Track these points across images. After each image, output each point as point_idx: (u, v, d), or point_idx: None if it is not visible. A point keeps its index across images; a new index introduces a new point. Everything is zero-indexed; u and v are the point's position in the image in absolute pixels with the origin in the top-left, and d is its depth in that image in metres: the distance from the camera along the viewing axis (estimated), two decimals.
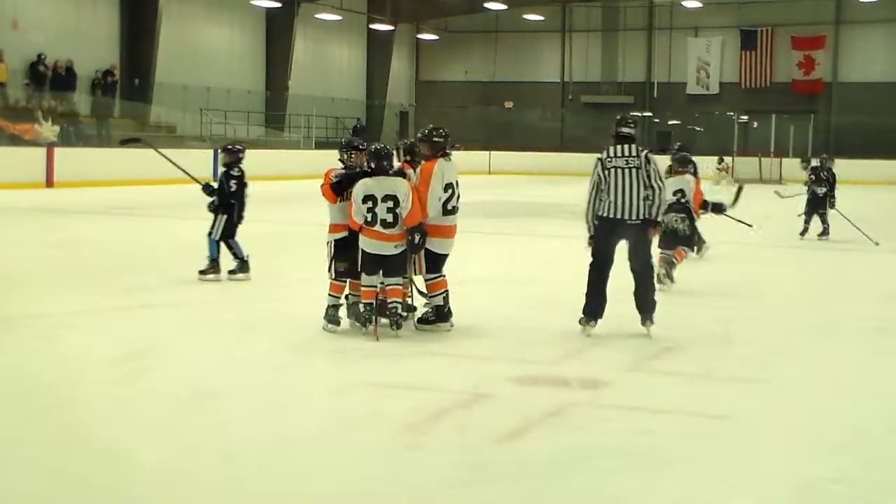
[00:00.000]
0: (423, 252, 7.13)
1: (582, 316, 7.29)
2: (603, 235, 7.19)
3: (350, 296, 7.17)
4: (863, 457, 4.67)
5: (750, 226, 11.22)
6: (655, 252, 7.99)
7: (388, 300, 6.95)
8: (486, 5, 38.63)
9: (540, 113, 43.85)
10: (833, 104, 40.15)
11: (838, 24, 40.38)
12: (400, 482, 4.21)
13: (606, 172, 7.12)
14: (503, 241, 13.98)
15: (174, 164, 9.75)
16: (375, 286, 6.95)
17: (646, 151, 7.22)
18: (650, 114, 42.87)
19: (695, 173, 9.96)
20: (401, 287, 6.99)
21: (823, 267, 10.93)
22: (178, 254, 11.80)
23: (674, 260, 9.30)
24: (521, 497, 4.05)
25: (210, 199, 9.36)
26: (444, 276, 7.24)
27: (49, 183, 21.75)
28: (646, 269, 7.31)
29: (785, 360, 6.75)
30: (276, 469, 4.29)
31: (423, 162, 7.21)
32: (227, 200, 9.30)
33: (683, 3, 39.26)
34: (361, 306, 7.00)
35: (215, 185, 9.36)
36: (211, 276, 9.23)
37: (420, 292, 7.29)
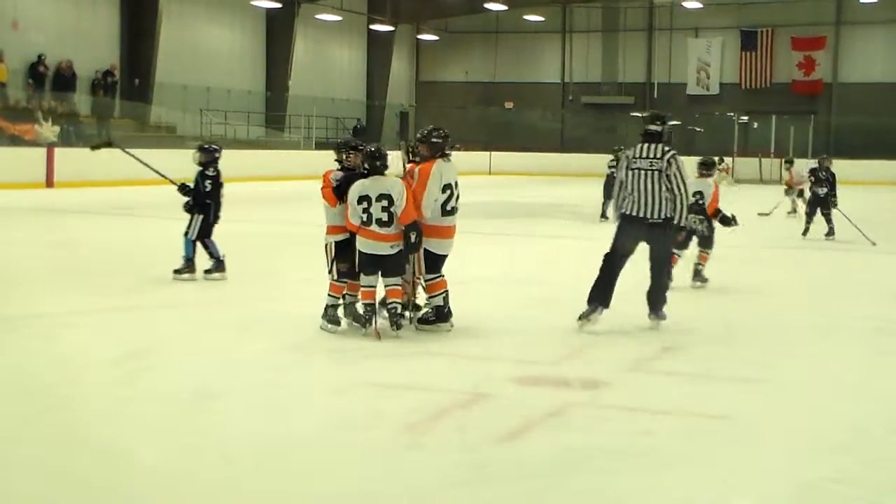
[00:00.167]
0: (422, 252, 7.13)
1: (587, 305, 7.35)
2: (623, 231, 7.34)
3: (347, 296, 7.17)
4: (863, 457, 4.66)
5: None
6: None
7: (388, 300, 6.95)
8: (487, 6, 38.63)
9: (540, 113, 43.87)
10: (833, 105, 40.16)
11: (838, 25, 40.39)
12: (400, 482, 4.20)
13: (630, 172, 7.24)
14: (503, 242, 13.97)
15: (146, 164, 9.73)
16: (374, 286, 6.96)
17: (672, 153, 7.24)
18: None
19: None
20: (400, 287, 6.98)
21: (824, 267, 10.94)
22: (177, 254, 11.77)
23: (700, 266, 9.44)
24: (522, 497, 4.05)
25: (186, 200, 9.31)
26: (444, 276, 7.24)
27: (49, 183, 21.76)
28: (660, 267, 7.44)
29: (785, 360, 6.74)
30: (276, 469, 4.29)
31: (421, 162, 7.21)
32: (203, 200, 9.28)
33: (684, 4, 39.27)
34: (361, 307, 7.00)
35: (191, 185, 9.33)
36: (186, 276, 9.23)
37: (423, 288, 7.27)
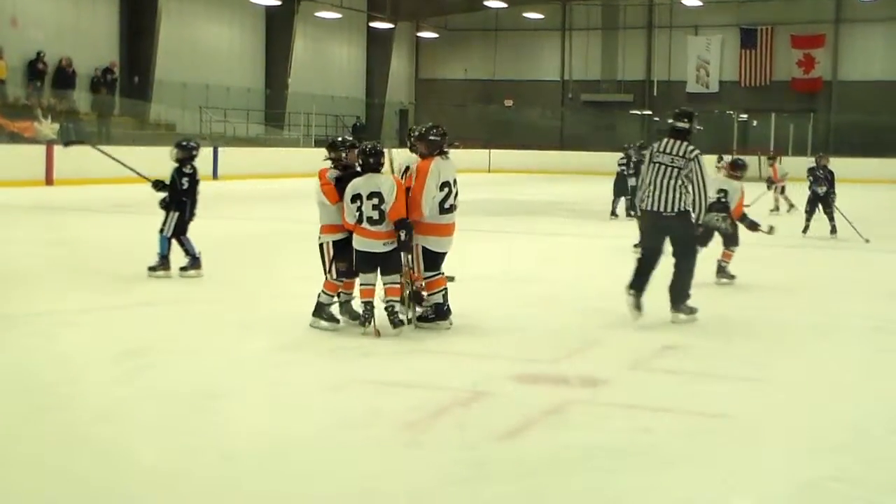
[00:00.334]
0: (420, 250, 7.13)
1: (628, 290, 7.56)
2: (646, 228, 7.59)
3: (342, 294, 7.17)
4: (863, 456, 4.66)
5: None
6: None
7: (386, 299, 6.95)
8: (486, 3, 38.63)
9: (540, 111, 43.87)
10: (833, 103, 40.18)
11: (838, 23, 40.40)
12: (399, 480, 4.21)
13: (652, 166, 7.43)
14: (503, 240, 13.96)
15: (118, 161, 9.73)
16: (373, 284, 6.96)
17: (696, 153, 7.37)
18: (650, 112, 42.88)
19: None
20: (398, 285, 6.98)
21: (822, 266, 10.94)
22: (176, 252, 11.79)
23: (724, 263, 9.55)
24: (521, 495, 4.05)
25: (162, 197, 9.27)
26: (443, 274, 7.24)
27: (49, 181, 21.75)
28: (682, 261, 7.53)
29: (785, 359, 6.74)
30: (276, 467, 4.29)
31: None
32: (179, 198, 9.27)
33: (683, 2, 39.26)
34: (360, 305, 7.00)
35: (166, 181, 9.32)
36: (161, 273, 9.22)
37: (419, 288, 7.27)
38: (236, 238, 13.71)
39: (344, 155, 7.19)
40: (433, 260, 7.19)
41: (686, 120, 7.54)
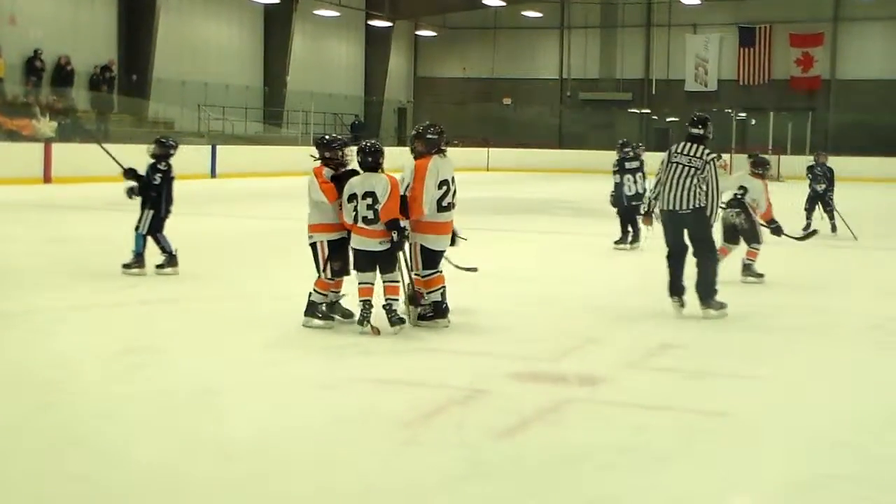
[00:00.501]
0: (418, 248, 7.14)
1: (669, 298, 7.88)
2: (666, 227, 7.86)
3: (331, 293, 7.16)
4: (862, 454, 4.66)
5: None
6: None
7: (385, 297, 6.94)
8: (485, 1, 38.62)
9: (538, 109, 43.87)
10: (831, 101, 40.21)
11: (836, 21, 40.43)
12: (397, 478, 4.21)
13: (670, 165, 7.75)
14: (501, 238, 13.96)
15: (101, 146, 9.75)
16: (371, 283, 6.96)
17: (712, 157, 7.72)
18: (648, 111, 42.90)
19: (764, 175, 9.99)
20: (397, 284, 6.99)
21: (821, 264, 10.94)
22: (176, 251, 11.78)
23: (749, 261, 9.63)
24: (519, 493, 4.05)
25: (130, 186, 9.25)
26: (441, 272, 7.25)
27: (47, 178, 21.74)
28: (702, 258, 7.78)
29: (783, 357, 6.75)
30: (274, 466, 4.29)
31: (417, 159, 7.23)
32: (150, 193, 9.25)
33: (682, 0, 39.26)
34: (359, 304, 6.99)
35: (142, 173, 9.31)
36: (135, 271, 9.21)
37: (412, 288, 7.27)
38: (235, 236, 13.72)
39: (340, 154, 7.20)
40: (431, 258, 7.20)
41: (700, 126, 7.87)
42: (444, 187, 7.16)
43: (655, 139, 39.81)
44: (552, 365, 6.25)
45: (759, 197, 9.67)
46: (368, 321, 6.88)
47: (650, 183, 8.32)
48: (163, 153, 9.41)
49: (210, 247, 12.23)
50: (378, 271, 6.95)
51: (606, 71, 44.00)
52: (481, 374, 5.86)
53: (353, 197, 6.88)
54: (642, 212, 8.41)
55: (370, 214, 6.84)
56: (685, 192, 7.65)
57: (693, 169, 7.66)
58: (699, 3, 39.36)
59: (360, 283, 6.97)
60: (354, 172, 7.03)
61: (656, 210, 8.08)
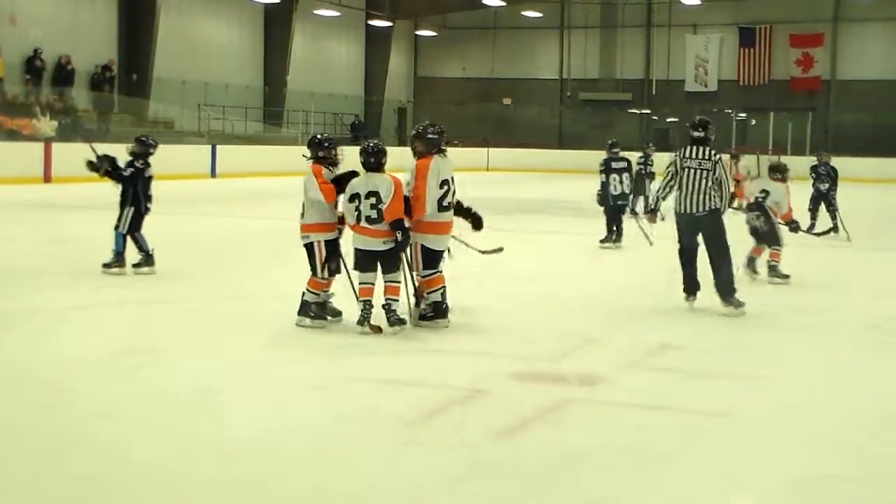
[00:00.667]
0: (419, 248, 7.14)
1: (684, 294, 8.20)
2: (681, 229, 8.16)
3: (323, 292, 7.17)
4: (862, 454, 4.67)
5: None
6: None
7: (385, 297, 6.95)
8: (485, 1, 38.61)
9: (538, 109, 43.87)
10: (831, 102, 40.20)
11: (837, 22, 40.42)
12: (397, 478, 4.21)
13: (683, 171, 8.06)
14: (501, 238, 13.94)
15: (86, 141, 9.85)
16: (372, 283, 6.96)
17: (718, 156, 8.10)
18: (648, 111, 42.89)
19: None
20: (398, 284, 6.99)
21: (821, 264, 10.94)
22: (175, 249, 11.78)
23: (773, 262, 9.75)
24: (519, 493, 4.05)
25: (92, 162, 9.32)
26: (441, 272, 7.25)
27: (47, 178, 21.74)
28: (717, 257, 8.02)
29: (782, 357, 6.75)
30: (274, 466, 4.29)
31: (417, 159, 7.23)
32: (125, 189, 9.29)
33: (682, 1, 39.25)
34: (360, 304, 6.99)
35: (117, 162, 9.37)
36: (115, 270, 9.23)
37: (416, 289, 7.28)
38: (234, 236, 13.72)
39: (333, 153, 7.21)
40: (432, 258, 7.21)
41: (701, 129, 8.19)
42: (445, 187, 7.18)
43: (655, 140, 39.79)
44: (552, 365, 6.26)
45: (782, 199, 9.89)
46: (369, 321, 6.88)
47: (655, 184, 8.52)
48: (142, 151, 9.46)
49: (210, 247, 12.23)
50: (380, 271, 6.95)
51: (606, 71, 43.99)
52: (481, 375, 5.86)
53: (355, 197, 6.89)
54: (645, 210, 8.55)
55: (374, 214, 6.84)
56: (701, 195, 7.97)
57: (705, 171, 7.99)
58: (699, 3, 39.35)
59: (361, 284, 6.97)
60: (355, 174, 7.03)
61: (661, 208, 8.50)
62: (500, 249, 8.28)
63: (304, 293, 7.09)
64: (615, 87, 43.83)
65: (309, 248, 7.12)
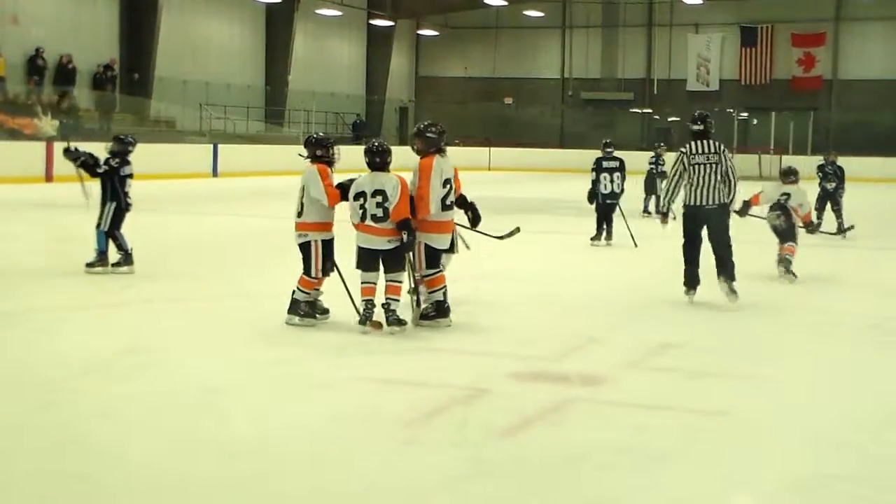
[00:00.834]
0: (423, 248, 7.15)
1: (684, 287, 8.42)
2: (686, 220, 8.39)
3: (313, 292, 7.18)
4: (862, 454, 4.67)
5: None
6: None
7: (386, 297, 6.95)
8: (487, 1, 38.59)
9: (540, 109, 43.85)
10: (833, 101, 40.17)
11: (838, 21, 40.39)
12: (399, 477, 4.21)
13: (691, 168, 8.27)
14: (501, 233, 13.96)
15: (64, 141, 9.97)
16: (374, 283, 6.97)
17: (723, 147, 8.34)
18: (650, 110, 42.87)
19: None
20: (399, 284, 6.99)
21: (820, 264, 10.93)
22: (176, 248, 11.80)
23: (787, 257, 9.91)
24: (520, 493, 4.05)
25: (69, 149, 9.47)
26: (443, 271, 7.26)
27: (48, 177, 21.73)
28: (722, 247, 8.31)
29: (783, 356, 6.75)
30: (276, 465, 4.30)
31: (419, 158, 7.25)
32: (104, 184, 9.31)
33: (683, 0, 39.22)
34: (362, 303, 7.00)
35: (94, 157, 9.42)
36: (98, 269, 9.23)
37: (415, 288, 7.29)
38: (236, 235, 13.73)
39: (331, 151, 7.23)
40: (434, 257, 7.22)
41: (700, 122, 8.43)
42: (447, 186, 7.19)
43: (657, 139, 39.78)
44: (554, 364, 6.26)
45: (804, 200, 10.19)
46: (370, 320, 6.89)
47: (663, 184, 8.84)
48: (121, 150, 9.47)
49: (211, 246, 12.24)
50: (382, 270, 6.96)
51: (608, 70, 43.97)
52: (483, 374, 5.86)
53: (360, 195, 6.90)
54: (657, 211, 8.76)
55: (380, 212, 6.85)
56: (711, 189, 8.21)
57: (713, 165, 8.22)
58: (701, 2, 39.33)
59: (363, 283, 6.97)
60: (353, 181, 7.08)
61: (673, 210, 8.75)
62: (517, 230, 8.37)
63: (294, 291, 7.11)
64: (617, 87, 43.81)
65: (305, 246, 7.13)
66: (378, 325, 6.86)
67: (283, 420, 4.96)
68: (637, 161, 28.11)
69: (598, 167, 12.86)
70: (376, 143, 7.12)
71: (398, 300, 6.95)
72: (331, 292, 7.28)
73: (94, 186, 9.55)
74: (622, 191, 12.87)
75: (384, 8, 39.42)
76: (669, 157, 13.20)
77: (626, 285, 9.67)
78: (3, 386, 5.54)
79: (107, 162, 9.39)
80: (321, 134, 7.49)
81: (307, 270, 7.09)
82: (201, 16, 33.27)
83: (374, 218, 6.86)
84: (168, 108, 30.00)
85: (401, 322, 6.91)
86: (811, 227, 10.40)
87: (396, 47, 43.01)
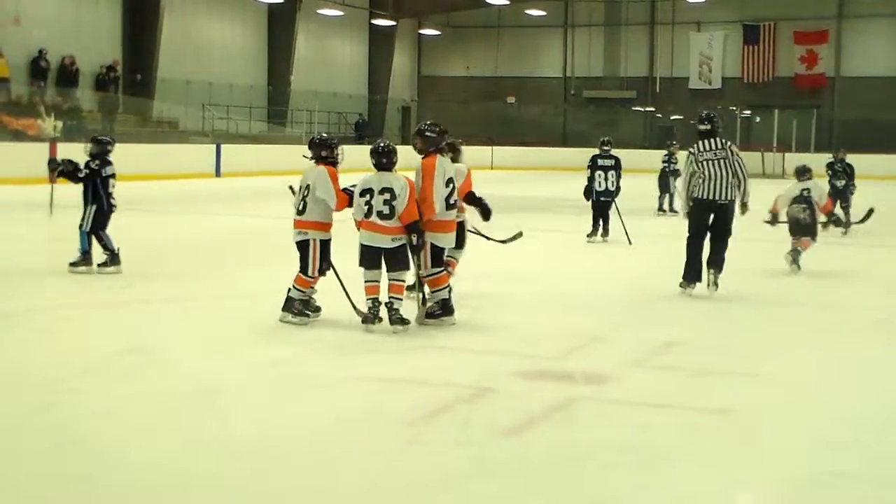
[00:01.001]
0: (428, 247, 7.16)
1: (682, 280, 8.61)
2: (698, 213, 8.61)
3: (308, 290, 7.17)
4: (865, 452, 4.65)
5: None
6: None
7: (388, 296, 6.94)
8: (488, 0, 38.55)
9: (542, 108, 43.83)
10: (836, 99, 40.12)
11: (841, 19, 40.34)
12: (402, 476, 4.20)
13: (700, 165, 8.53)
14: (505, 236, 13.94)
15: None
16: (377, 281, 6.96)
17: (729, 143, 8.62)
18: (652, 109, 42.84)
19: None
20: (402, 283, 6.98)
21: (824, 260, 10.91)
22: (177, 248, 11.80)
23: (799, 248, 10.22)
24: (524, 491, 4.04)
25: (53, 159, 9.63)
26: (446, 270, 7.26)
27: (51, 178, 21.71)
28: (722, 241, 8.56)
29: (787, 354, 6.73)
30: (278, 464, 4.28)
31: (421, 158, 7.25)
32: (85, 186, 9.38)
33: None
34: (367, 302, 6.99)
35: (78, 166, 9.47)
36: (82, 269, 9.23)
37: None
38: (239, 235, 13.72)
39: (335, 153, 7.24)
40: (438, 256, 7.22)
41: (707, 122, 8.67)
42: (450, 185, 7.20)
43: (659, 137, 39.77)
44: (558, 363, 6.24)
45: (822, 193, 10.62)
46: (375, 320, 6.88)
47: (676, 182, 9.31)
48: (99, 151, 9.46)
49: (214, 245, 12.24)
50: (385, 269, 6.95)
51: (610, 69, 43.95)
52: (487, 373, 5.85)
53: (367, 192, 6.90)
54: (672, 209, 8.97)
55: (386, 209, 6.85)
56: (723, 184, 8.44)
57: (721, 161, 8.46)
58: (703, 0, 39.27)
59: (366, 281, 6.96)
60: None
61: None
62: (520, 234, 8.50)
63: (289, 290, 7.11)
64: (619, 85, 43.79)
65: (304, 245, 7.13)
66: (379, 320, 6.86)
67: (285, 420, 4.94)
68: (639, 160, 28.20)
69: (593, 164, 13.14)
70: (382, 144, 7.12)
71: (401, 299, 6.94)
72: (332, 292, 7.26)
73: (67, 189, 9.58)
74: (617, 188, 13.01)
75: (386, 7, 39.42)
76: (681, 155, 13.32)
77: (628, 283, 9.66)
78: (3, 386, 5.52)
79: (87, 165, 9.38)
80: (325, 135, 7.48)
81: (304, 269, 7.10)
82: (203, 16, 33.28)
83: (381, 215, 6.85)
84: (171, 109, 30.01)
85: (404, 321, 6.90)
86: (835, 219, 10.79)
87: (398, 47, 43.01)
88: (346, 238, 7.32)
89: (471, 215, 7.99)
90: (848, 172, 14.88)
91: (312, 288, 7.21)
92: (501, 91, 44.35)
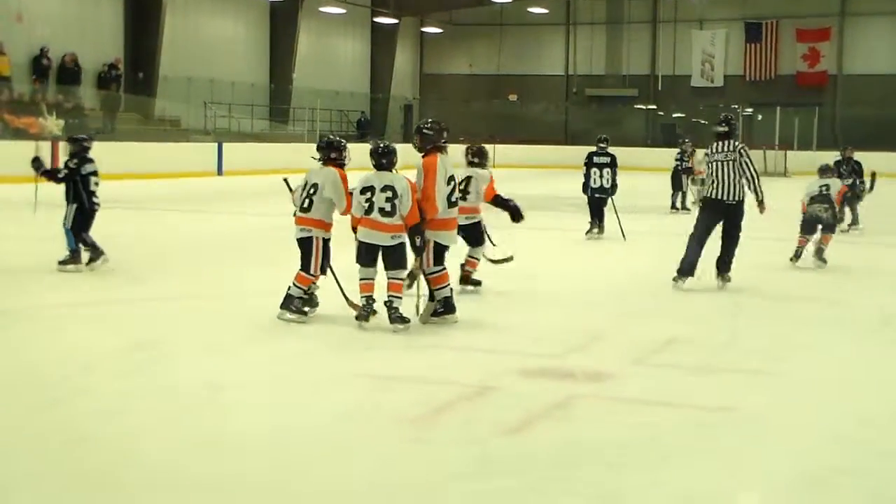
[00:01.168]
0: (431, 245, 7.17)
1: (676, 273, 8.77)
2: (706, 212, 8.91)
3: (294, 286, 7.17)
4: (870, 449, 4.65)
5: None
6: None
7: (388, 294, 6.94)
8: None
9: (544, 106, 43.78)
10: (838, 97, 40.04)
11: (843, 17, 40.27)
12: (404, 475, 4.20)
13: (710, 165, 8.88)
14: (507, 235, 13.94)
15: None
16: (372, 279, 6.96)
17: (742, 146, 8.89)
18: (654, 107, 42.80)
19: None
20: (401, 282, 6.98)
21: (831, 258, 10.89)
22: (179, 247, 11.80)
23: (822, 246, 10.51)
24: (526, 489, 4.04)
25: (37, 158, 9.64)
26: (446, 269, 7.27)
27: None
28: (733, 240, 8.83)
29: (791, 351, 6.73)
30: (280, 462, 4.29)
31: (422, 157, 7.27)
32: (67, 185, 9.31)
33: None
34: (361, 299, 6.99)
35: (59, 168, 9.45)
36: (70, 267, 9.22)
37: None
38: (241, 233, 13.73)
39: (344, 154, 7.27)
40: (440, 254, 7.23)
41: (725, 125, 9.02)
42: (452, 183, 7.21)
43: (662, 135, 39.75)
44: (559, 361, 6.24)
45: (838, 188, 10.94)
46: (369, 318, 6.89)
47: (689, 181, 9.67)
48: (78, 149, 9.46)
49: (215, 244, 12.24)
50: (383, 267, 6.95)
51: (612, 67, 43.90)
52: (489, 371, 5.85)
53: (368, 189, 6.91)
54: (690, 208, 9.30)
55: (388, 207, 6.86)
56: (732, 185, 8.69)
57: (731, 163, 8.72)
58: None
59: (361, 279, 6.96)
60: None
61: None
62: (510, 258, 8.55)
63: (289, 287, 7.12)
64: (621, 83, 43.74)
65: (307, 242, 7.15)
66: (375, 312, 6.88)
67: (288, 417, 4.95)
68: (640, 158, 28.15)
69: (589, 162, 13.33)
70: (382, 145, 7.15)
71: (400, 297, 6.94)
72: (331, 290, 7.26)
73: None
74: (612, 185, 13.09)
75: (388, 5, 39.38)
76: (697, 154, 13.43)
77: (632, 281, 9.65)
78: (8, 384, 5.53)
79: (66, 165, 9.38)
80: (334, 136, 7.51)
81: (305, 267, 7.11)
82: (205, 14, 33.27)
83: (382, 212, 6.86)
84: (173, 107, 29.99)
85: (404, 320, 6.89)
86: (842, 216, 11.19)
87: (401, 45, 42.99)
88: (339, 239, 7.34)
89: (485, 214, 8.04)
90: (856, 171, 14.90)
91: (314, 285, 7.22)
92: (503, 89, 44.32)
